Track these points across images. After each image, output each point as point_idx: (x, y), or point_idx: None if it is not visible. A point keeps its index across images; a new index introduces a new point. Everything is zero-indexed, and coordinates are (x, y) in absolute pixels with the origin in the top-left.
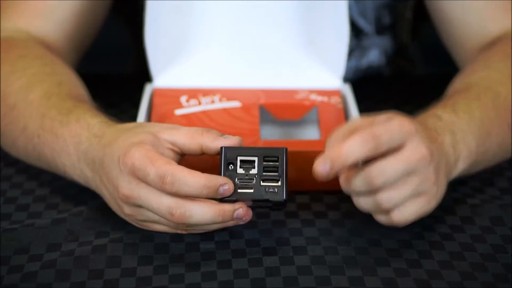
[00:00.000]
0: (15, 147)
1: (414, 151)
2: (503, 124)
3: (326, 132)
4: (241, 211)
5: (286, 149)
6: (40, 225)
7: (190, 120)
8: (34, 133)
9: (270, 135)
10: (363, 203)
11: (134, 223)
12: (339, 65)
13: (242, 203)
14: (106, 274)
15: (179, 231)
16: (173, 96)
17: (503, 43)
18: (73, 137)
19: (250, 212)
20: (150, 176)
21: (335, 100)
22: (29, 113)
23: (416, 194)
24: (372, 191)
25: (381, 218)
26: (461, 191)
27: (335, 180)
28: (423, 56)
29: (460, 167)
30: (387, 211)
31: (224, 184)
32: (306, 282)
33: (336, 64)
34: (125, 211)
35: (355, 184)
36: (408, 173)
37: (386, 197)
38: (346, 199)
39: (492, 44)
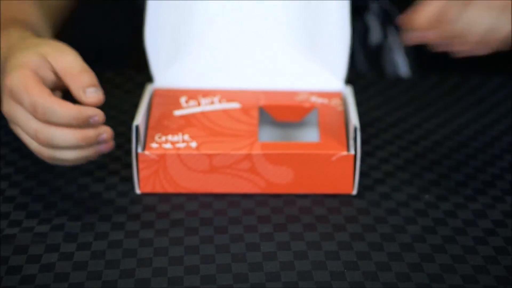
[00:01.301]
0: None
1: None
2: None
3: (325, 134)
4: (104, 136)
5: None
6: (39, 230)
7: (188, 121)
8: None
9: (269, 137)
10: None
11: None
12: (341, 67)
13: (107, 128)
14: (105, 276)
15: (45, 157)
16: (173, 96)
17: None
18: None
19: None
20: (24, 103)
21: (335, 102)
22: None
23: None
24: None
25: None
26: (463, 193)
27: (336, 182)
28: (421, 61)
29: None
30: None
31: (94, 116)
32: (307, 287)
33: (338, 66)
34: (9, 124)
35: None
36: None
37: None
38: (347, 203)
39: None
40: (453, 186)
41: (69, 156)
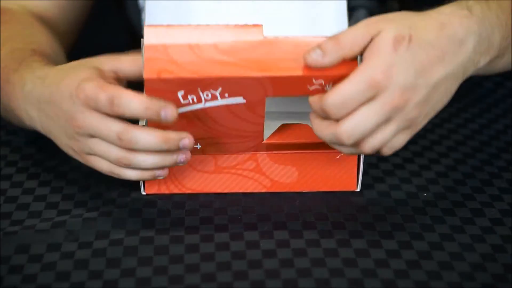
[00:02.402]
0: None
1: (386, 100)
2: None
3: None
4: (187, 141)
5: None
6: (40, 227)
7: (190, 121)
8: None
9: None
10: (346, 151)
11: (80, 159)
12: None
13: (188, 134)
14: (106, 275)
15: (116, 171)
16: (167, 90)
17: None
18: (20, 81)
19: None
20: (101, 101)
21: None
22: None
23: (397, 132)
24: (353, 144)
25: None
26: (461, 192)
27: (340, 179)
28: None
29: (481, 64)
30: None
31: (167, 109)
32: (306, 284)
33: None
34: (75, 146)
35: (327, 137)
36: (383, 121)
37: (367, 147)
38: (346, 201)
39: None
40: (451, 184)
41: (148, 161)
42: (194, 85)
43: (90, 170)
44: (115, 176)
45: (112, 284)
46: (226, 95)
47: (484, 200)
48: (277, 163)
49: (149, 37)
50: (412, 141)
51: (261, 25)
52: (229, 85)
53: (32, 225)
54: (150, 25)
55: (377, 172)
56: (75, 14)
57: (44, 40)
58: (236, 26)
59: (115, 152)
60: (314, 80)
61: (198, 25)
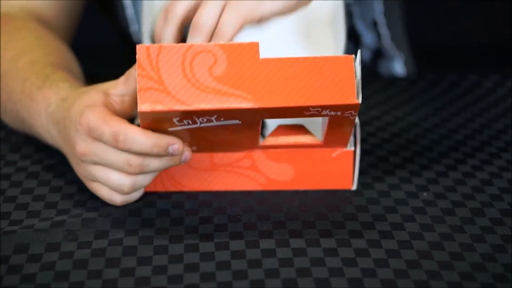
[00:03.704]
0: (6, 112)
1: None
2: None
3: (329, 137)
4: (176, 147)
5: None
6: (39, 227)
7: (184, 133)
8: (17, 98)
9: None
10: None
11: (85, 184)
12: None
13: (178, 140)
14: (105, 275)
15: (115, 198)
16: (163, 118)
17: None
18: (44, 100)
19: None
20: (105, 135)
21: (348, 114)
22: (15, 79)
23: None
24: None
25: None
26: (461, 191)
27: (335, 178)
28: (416, 59)
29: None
30: None
31: (174, 144)
32: (306, 284)
33: None
34: (80, 170)
35: None
36: None
37: None
38: (346, 200)
39: None
40: (451, 184)
41: (149, 179)
42: (189, 114)
43: None
44: (115, 204)
45: (112, 284)
46: (222, 119)
47: (484, 200)
48: (273, 161)
49: (142, 59)
50: (412, 141)
51: (257, 43)
52: (225, 113)
53: (31, 225)
54: (141, 45)
55: (377, 171)
56: (71, 14)
57: (58, 49)
58: (232, 45)
59: (117, 178)
60: (311, 108)
61: (192, 44)
